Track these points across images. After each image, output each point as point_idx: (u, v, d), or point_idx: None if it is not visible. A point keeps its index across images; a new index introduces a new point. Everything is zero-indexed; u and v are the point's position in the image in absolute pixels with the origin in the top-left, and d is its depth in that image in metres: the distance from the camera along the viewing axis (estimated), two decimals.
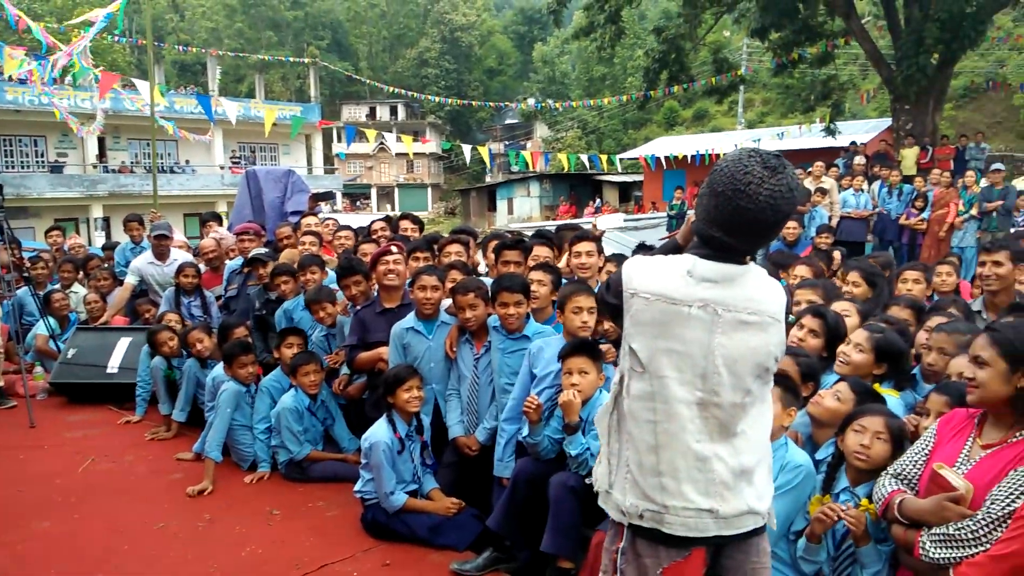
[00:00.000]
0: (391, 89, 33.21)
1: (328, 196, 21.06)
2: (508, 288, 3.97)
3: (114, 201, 27.82)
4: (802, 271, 5.20)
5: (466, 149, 17.79)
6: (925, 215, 10.93)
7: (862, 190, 11.40)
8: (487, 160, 19.31)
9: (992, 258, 4.27)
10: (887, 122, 20.54)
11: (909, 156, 14.40)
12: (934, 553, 2.31)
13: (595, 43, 18.68)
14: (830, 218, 10.73)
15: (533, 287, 4.18)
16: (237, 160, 34.29)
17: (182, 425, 5.81)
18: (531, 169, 32.62)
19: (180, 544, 4.06)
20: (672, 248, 2.24)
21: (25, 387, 6.40)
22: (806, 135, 22.78)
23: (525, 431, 3.57)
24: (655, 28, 20.02)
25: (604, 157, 18.69)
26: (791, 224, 8.52)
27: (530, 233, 6.40)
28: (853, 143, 15.80)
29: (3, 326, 7.07)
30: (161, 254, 7.68)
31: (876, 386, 3.23)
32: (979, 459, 2.40)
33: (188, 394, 5.78)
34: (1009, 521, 2.14)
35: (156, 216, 9.64)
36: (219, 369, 5.31)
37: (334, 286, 5.41)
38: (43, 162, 28.90)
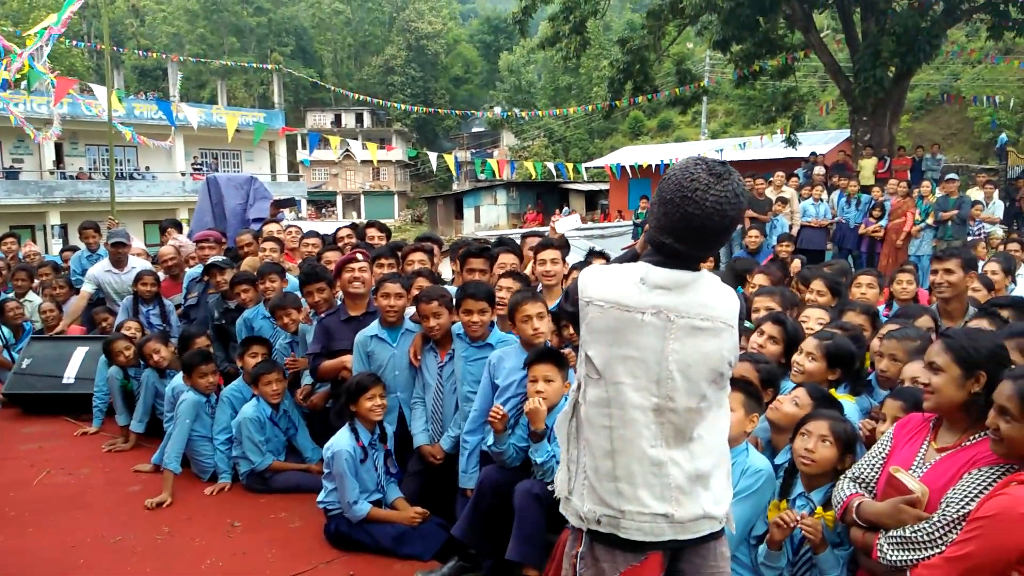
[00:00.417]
0: (356, 96, 32.97)
1: (290, 203, 20.83)
2: (473, 296, 3.96)
3: (72, 208, 27.21)
4: (760, 279, 5.27)
5: (432, 157, 17.64)
6: (883, 224, 11.19)
7: (821, 200, 11.65)
8: (453, 168, 19.27)
9: (944, 266, 4.33)
10: (846, 133, 20.93)
11: (867, 167, 14.73)
12: (891, 555, 2.34)
13: (561, 53, 18.79)
14: (791, 227, 10.94)
15: (501, 294, 4.18)
16: (199, 167, 33.77)
17: (140, 436, 5.69)
18: (498, 177, 32.61)
19: (138, 558, 3.97)
20: (631, 258, 2.27)
21: None
22: (767, 146, 23.10)
23: (490, 440, 3.56)
24: (620, 39, 20.15)
25: (570, 166, 18.73)
26: (753, 232, 8.65)
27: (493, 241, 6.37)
28: (813, 154, 16.08)
29: None
30: (118, 262, 7.52)
31: (832, 391, 3.28)
32: (934, 462, 2.45)
33: (146, 404, 5.66)
34: (964, 523, 2.17)
35: (113, 223, 9.45)
36: (178, 379, 5.22)
37: (297, 293, 5.36)
38: None
